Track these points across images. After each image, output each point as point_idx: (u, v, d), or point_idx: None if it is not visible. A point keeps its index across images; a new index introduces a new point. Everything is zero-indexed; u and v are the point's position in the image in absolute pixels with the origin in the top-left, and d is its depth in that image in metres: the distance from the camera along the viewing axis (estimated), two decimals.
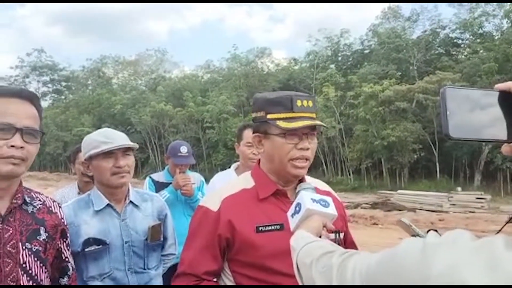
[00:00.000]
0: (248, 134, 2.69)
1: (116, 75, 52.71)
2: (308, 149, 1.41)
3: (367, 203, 16.44)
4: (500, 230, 0.61)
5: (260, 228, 1.36)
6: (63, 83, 54.25)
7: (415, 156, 23.89)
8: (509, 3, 24.80)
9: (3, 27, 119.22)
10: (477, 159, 22.93)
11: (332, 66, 33.69)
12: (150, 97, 36.99)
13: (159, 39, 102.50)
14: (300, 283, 0.91)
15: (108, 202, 1.88)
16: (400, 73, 27.60)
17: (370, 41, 33.54)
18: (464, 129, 0.65)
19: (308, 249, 0.92)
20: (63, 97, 54.35)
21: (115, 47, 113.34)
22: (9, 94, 1.30)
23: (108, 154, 1.81)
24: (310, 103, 1.42)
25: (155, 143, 34.85)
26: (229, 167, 3.25)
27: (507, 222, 0.69)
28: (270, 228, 1.36)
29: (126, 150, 1.86)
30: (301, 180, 1.51)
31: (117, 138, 1.86)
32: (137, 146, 1.94)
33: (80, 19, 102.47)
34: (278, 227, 1.37)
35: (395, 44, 28.81)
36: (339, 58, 35.46)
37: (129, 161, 1.87)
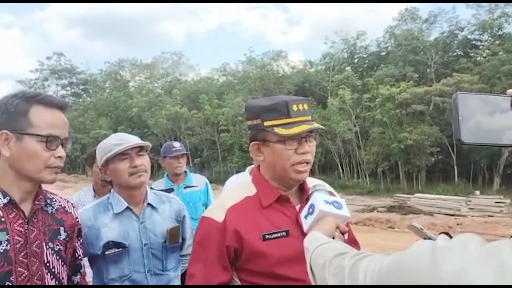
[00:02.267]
0: None
1: (133, 78, 53.37)
2: (308, 152, 1.40)
3: (383, 207, 16.29)
4: None
5: (267, 236, 1.35)
6: (81, 86, 55.10)
7: (433, 159, 23.62)
8: None
9: (23, 30, 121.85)
10: (496, 162, 22.54)
11: (348, 68, 33.50)
12: (166, 100, 37.31)
13: (175, 42, 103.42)
14: (312, 282, 0.92)
15: (127, 205, 1.91)
16: (417, 75, 27.32)
17: (387, 43, 33.28)
18: (476, 134, 0.66)
19: (321, 250, 0.93)
20: (81, 100, 55.21)
21: (132, 50, 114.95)
22: (53, 105, 1.37)
23: (123, 155, 1.85)
24: (306, 106, 1.41)
25: None
26: (244, 170, 3.28)
27: None
28: (276, 235, 1.36)
29: (139, 150, 1.90)
30: (302, 183, 1.50)
31: (129, 139, 1.91)
32: (150, 145, 1.98)
33: (98, 23, 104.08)
34: (284, 233, 1.36)
35: (412, 46, 28.52)
36: (355, 60, 35.27)
37: (144, 161, 1.90)
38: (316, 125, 1.39)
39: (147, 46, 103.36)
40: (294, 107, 1.37)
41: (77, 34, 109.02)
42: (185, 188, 3.63)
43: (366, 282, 0.67)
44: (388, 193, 22.83)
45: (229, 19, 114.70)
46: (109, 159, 1.86)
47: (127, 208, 1.91)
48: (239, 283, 1.39)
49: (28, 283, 1.32)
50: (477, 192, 18.11)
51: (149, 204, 1.97)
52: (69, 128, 1.44)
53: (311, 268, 0.94)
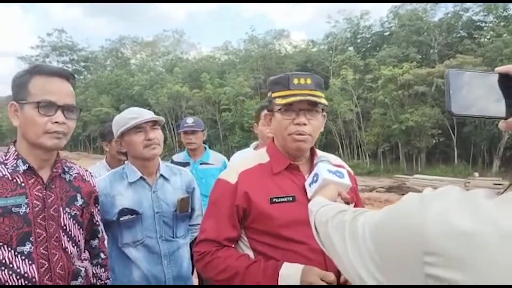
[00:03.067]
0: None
1: (134, 55, 52.96)
2: (305, 124, 1.49)
3: (382, 187, 16.40)
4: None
5: (274, 200, 1.47)
6: (82, 63, 54.64)
7: (433, 141, 23.64)
8: None
9: (23, 8, 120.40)
10: (496, 145, 22.57)
11: (351, 48, 33.21)
12: (168, 79, 37.11)
13: (177, 20, 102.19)
14: (318, 241, 1.01)
15: (141, 175, 2.03)
16: (420, 57, 27.10)
17: (390, 23, 32.86)
18: (465, 106, 0.73)
19: (324, 209, 1.03)
20: (81, 77, 54.90)
21: (133, 27, 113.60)
22: (51, 73, 1.44)
23: (137, 128, 1.97)
24: (309, 81, 1.50)
25: (172, 124, 35.09)
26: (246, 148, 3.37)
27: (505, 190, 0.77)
28: (283, 199, 1.48)
29: (153, 124, 2.02)
30: (313, 154, 1.61)
31: (144, 113, 2.02)
32: (163, 119, 2.09)
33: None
34: (290, 198, 1.48)
35: (416, 26, 28.20)
36: (358, 40, 34.91)
37: (158, 134, 2.02)
38: (310, 98, 1.47)
39: (148, 23, 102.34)
40: (295, 81, 1.49)
41: (78, 11, 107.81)
42: (200, 164, 3.68)
43: (364, 230, 0.76)
44: (387, 174, 22.97)
45: None
46: (124, 132, 1.98)
47: (141, 178, 2.03)
48: (246, 240, 1.52)
49: (46, 244, 1.44)
50: (476, 174, 18.21)
51: (161, 175, 2.10)
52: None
53: (315, 226, 1.03)
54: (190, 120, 3.72)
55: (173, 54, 48.67)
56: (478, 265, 0.53)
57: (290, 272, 1.35)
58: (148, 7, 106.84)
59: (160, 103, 34.63)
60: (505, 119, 0.74)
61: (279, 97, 1.50)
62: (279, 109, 1.50)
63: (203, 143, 3.83)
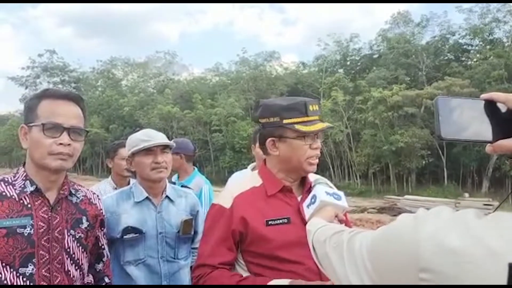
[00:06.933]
0: None
1: (126, 76, 53.06)
2: (319, 148, 1.57)
3: (373, 208, 16.42)
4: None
5: (270, 222, 1.49)
6: (73, 84, 54.42)
7: (423, 162, 23.82)
8: None
9: (15, 27, 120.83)
10: (485, 165, 22.81)
11: (341, 70, 33.71)
12: (158, 99, 37.21)
13: (169, 42, 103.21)
14: (316, 261, 1.03)
15: (147, 195, 2.07)
16: (409, 78, 27.57)
17: (379, 46, 33.53)
18: (454, 131, 0.77)
19: (322, 230, 1.06)
20: None
21: (125, 48, 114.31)
22: (58, 96, 1.47)
23: (148, 151, 2.02)
24: (318, 107, 1.57)
25: None
26: (236, 170, 3.36)
27: (495, 209, 0.77)
28: (278, 222, 1.50)
29: (164, 148, 2.07)
30: (305, 177, 1.64)
31: (156, 137, 2.07)
32: (174, 144, 2.15)
33: (91, 21, 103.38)
34: (285, 220, 1.50)
35: (404, 49, 28.78)
36: (348, 63, 35.48)
37: (166, 158, 2.06)
38: (329, 124, 1.58)
39: (140, 45, 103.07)
40: (311, 107, 1.53)
41: (69, 32, 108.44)
42: (182, 186, 3.63)
43: (362, 249, 0.78)
44: (378, 195, 23.03)
45: (223, 20, 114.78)
46: (135, 152, 2.03)
47: (147, 198, 2.08)
48: (243, 264, 1.54)
49: (48, 266, 1.43)
50: (466, 195, 18.31)
51: (167, 196, 2.13)
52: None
53: (313, 246, 1.05)
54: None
55: (165, 75, 48.93)
56: (467, 282, 0.55)
57: (278, 282, 1.39)
58: (140, 28, 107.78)
59: (151, 123, 34.56)
60: (492, 142, 0.76)
61: (298, 123, 1.51)
62: (300, 136, 1.52)
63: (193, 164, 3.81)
